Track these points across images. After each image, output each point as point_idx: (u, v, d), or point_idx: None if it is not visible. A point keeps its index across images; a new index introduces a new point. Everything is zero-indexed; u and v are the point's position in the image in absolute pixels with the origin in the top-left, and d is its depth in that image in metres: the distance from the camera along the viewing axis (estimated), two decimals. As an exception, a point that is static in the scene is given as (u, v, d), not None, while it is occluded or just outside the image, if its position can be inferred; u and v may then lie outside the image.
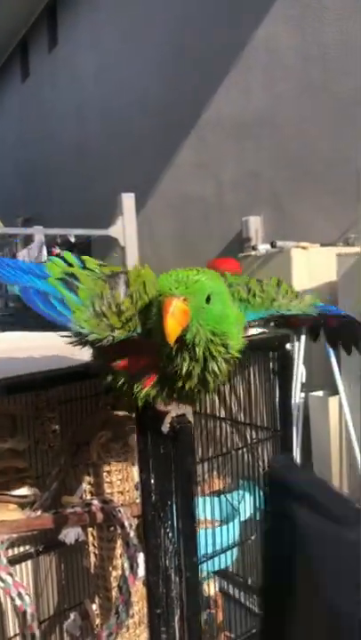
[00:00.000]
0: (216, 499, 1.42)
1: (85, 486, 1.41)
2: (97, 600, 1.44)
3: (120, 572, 1.30)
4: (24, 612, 1.26)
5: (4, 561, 1.23)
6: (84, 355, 1.09)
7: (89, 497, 1.38)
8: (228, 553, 1.32)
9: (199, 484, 1.39)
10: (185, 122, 5.41)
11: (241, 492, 1.41)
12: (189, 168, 5.45)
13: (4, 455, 1.34)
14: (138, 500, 1.32)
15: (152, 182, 5.95)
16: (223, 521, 1.39)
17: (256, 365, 1.36)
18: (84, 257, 1.04)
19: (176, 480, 0.97)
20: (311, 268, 3.26)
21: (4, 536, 1.27)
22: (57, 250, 4.31)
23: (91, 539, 1.41)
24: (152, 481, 0.99)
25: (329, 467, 2.98)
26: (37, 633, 1.27)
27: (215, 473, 1.43)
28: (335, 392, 2.97)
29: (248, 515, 1.40)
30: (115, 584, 1.34)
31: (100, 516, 1.32)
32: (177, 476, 0.97)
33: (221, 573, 1.45)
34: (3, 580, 1.21)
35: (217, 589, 1.44)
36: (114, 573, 1.38)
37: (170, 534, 0.99)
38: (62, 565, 1.54)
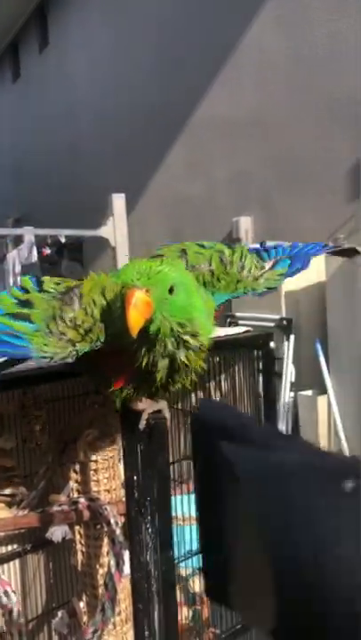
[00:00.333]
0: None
1: (72, 485, 1.41)
2: (84, 598, 1.45)
3: (107, 569, 1.31)
4: (10, 611, 1.26)
5: (-9, 559, 1.24)
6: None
7: (76, 495, 1.39)
8: (214, 549, 1.32)
9: (185, 481, 1.40)
10: (176, 122, 5.42)
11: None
12: (180, 168, 5.47)
13: (-10, 454, 1.34)
14: (124, 498, 1.33)
15: (143, 182, 5.96)
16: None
17: (241, 363, 1.37)
18: (44, 278, 1.03)
19: (152, 476, 0.98)
20: (300, 268, 3.28)
21: (-10, 534, 1.27)
22: (47, 250, 4.32)
23: (78, 537, 1.42)
24: (135, 478, 1.00)
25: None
26: (24, 630, 1.28)
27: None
28: (324, 391, 3.00)
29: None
30: (102, 582, 1.35)
31: (86, 514, 1.33)
32: (153, 471, 0.98)
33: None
34: (-11, 578, 1.21)
35: (202, 586, 1.45)
36: (101, 571, 1.38)
37: (150, 530, 1.00)
38: (50, 564, 1.54)
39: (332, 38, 3.77)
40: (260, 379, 1.34)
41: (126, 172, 6.15)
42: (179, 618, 1.44)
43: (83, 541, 1.40)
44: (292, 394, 3.14)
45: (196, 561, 1.30)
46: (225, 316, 3.50)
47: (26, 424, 1.44)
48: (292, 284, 3.25)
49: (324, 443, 3.00)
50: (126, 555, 1.23)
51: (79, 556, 1.41)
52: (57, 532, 1.37)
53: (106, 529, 1.31)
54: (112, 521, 1.28)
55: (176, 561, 1.29)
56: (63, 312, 0.92)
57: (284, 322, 3.16)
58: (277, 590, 0.41)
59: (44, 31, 8.56)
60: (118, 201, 4.18)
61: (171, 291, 0.85)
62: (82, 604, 1.47)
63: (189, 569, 1.40)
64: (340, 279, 2.91)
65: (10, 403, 1.40)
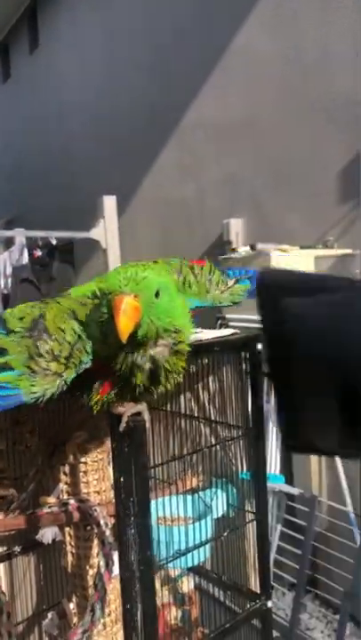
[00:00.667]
0: (190, 496, 1.45)
1: (62, 486, 1.42)
2: (74, 599, 1.46)
3: (96, 570, 1.32)
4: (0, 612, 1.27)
5: (-20, 561, 1.24)
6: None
7: (66, 497, 1.40)
8: (202, 549, 1.34)
9: (173, 482, 1.41)
10: (166, 125, 5.44)
11: (214, 489, 1.43)
12: (171, 170, 5.48)
13: (-20, 456, 1.35)
14: (114, 500, 1.34)
15: (134, 185, 5.97)
16: (196, 518, 1.41)
17: (229, 365, 1.38)
18: (6, 314, 1.03)
19: (132, 476, 1.00)
20: (290, 269, 3.30)
21: (-20, 536, 1.28)
22: (38, 252, 4.31)
23: (68, 538, 1.43)
24: (121, 479, 1.01)
25: (308, 464, 3.02)
26: (13, 632, 1.29)
27: (189, 471, 1.45)
28: (314, 392, 3.02)
29: (221, 512, 1.42)
30: (92, 583, 1.36)
31: (76, 516, 1.34)
32: (133, 472, 1.00)
33: (196, 570, 1.47)
34: (-22, 580, 1.22)
35: (191, 586, 1.47)
36: (91, 572, 1.39)
37: (132, 530, 1.01)
38: (40, 565, 1.55)
39: (321, 42, 3.81)
40: (248, 381, 1.35)
41: (117, 174, 6.16)
42: (168, 618, 1.45)
43: (73, 543, 1.41)
44: (282, 395, 3.16)
45: (185, 561, 1.31)
46: (215, 317, 3.52)
47: (15, 426, 1.45)
48: (281, 285, 3.27)
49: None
50: (116, 555, 1.24)
51: (69, 558, 1.42)
52: (47, 534, 1.38)
53: (96, 530, 1.32)
54: (102, 522, 1.29)
55: (165, 562, 1.30)
56: (39, 348, 0.92)
57: (275, 323, 3.18)
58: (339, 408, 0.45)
59: (35, 32, 8.55)
60: (109, 203, 4.18)
61: (157, 295, 0.86)
62: (72, 606, 1.48)
63: (178, 569, 1.42)
64: (330, 281, 2.94)
65: None
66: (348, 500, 2.75)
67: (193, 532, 1.31)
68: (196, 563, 1.36)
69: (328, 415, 0.49)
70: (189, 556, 1.30)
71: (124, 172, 6.09)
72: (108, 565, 1.24)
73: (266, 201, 4.33)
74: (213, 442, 1.45)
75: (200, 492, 1.44)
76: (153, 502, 1.34)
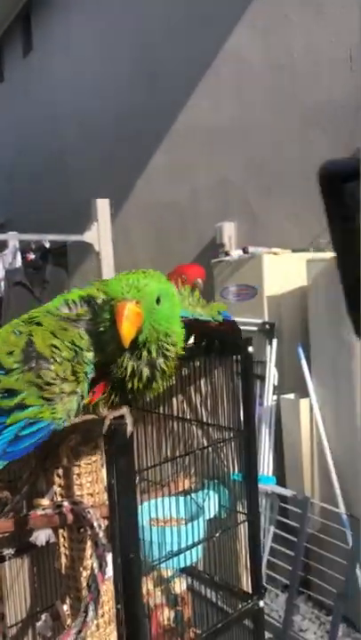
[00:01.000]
0: (182, 498, 1.46)
1: (56, 489, 1.43)
2: (68, 601, 1.47)
3: (90, 571, 1.33)
4: (-6, 614, 1.28)
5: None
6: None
7: (59, 499, 1.41)
8: (194, 550, 1.35)
9: (166, 483, 1.43)
10: (159, 128, 5.46)
11: (206, 490, 1.45)
12: (164, 174, 5.50)
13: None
14: (107, 502, 1.36)
15: (127, 188, 5.98)
16: (189, 519, 1.43)
17: (220, 367, 1.40)
18: None
19: (116, 477, 1.02)
20: (283, 273, 3.32)
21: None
22: (31, 255, 4.31)
23: (61, 540, 1.44)
24: (112, 481, 1.03)
25: (300, 466, 3.04)
26: (8, 634, 1.30)
27: (182, 473, 1.47)
28: (306, 394, 3.04)
29: (213, 513, 1.44)
30: (85, 584, 1.36)
31: (70, 518, 1.35)
32: (117, 473, 1.02)
33: (189, 571, 1.48)
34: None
35: (184, 587, 1.48)
36: (84, 574, 1.40)
37: (119, 531, 1.03)
38: (34, 567, 1.56)
39: (312, 47, 3.84)
40: (240, 383, 1.37)
41: (110, 178, 6.17)
42: (161, 619, 1.46)
43: (66, 545, 1.42)
44: (274, 397, 3.18)
45: (177, 562, 1.32)
46: (209, 320, 3.54)
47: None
48: (274, 288, 3.29)
49: (306, 445, 3.04)
50: (109, 557, 1.25)
51: (63, 560, 1.43)
52: (41, 536, 1.39)
53: (89, 532, 1.33)
54: (95, 524, 1.30)
55: (157, 562, 1.31)
56: (44, 377, 0.94)
57: (267, 326, 3.20)
58: None
59: (28, 35, 8.56)
60: (102, 206, 4.19)
61: (158, 301, 0.89)
62: (65, 608, 1.48)
63: (171, 570, 1.43)
64: (322, 284, 2.96)
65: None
66: (341, 502, 2.77)
67: (185, 532, 1.32)
68: (188, 563, 1.37)
69: None
70: (182, 556, 1.31)
71: (117, 176, 6.11)
72: (102, 567, 1.24)
73: (258, 204, 4.36)
74: (205, 444, 1.46)
75: (192, 494, 1.45)
76: (146, 504, 1.36)
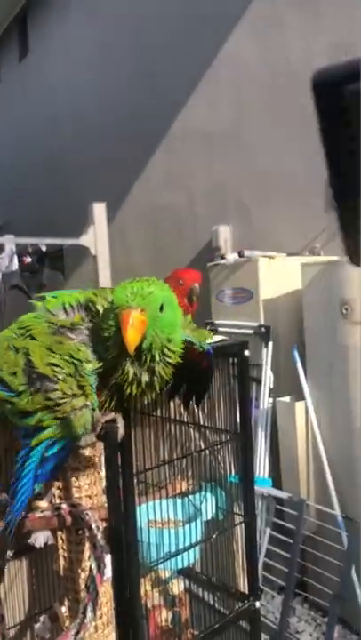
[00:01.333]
0: (180, 500, 1.48)
1: (54, 491, 1.44)
2: (66, 602, 1.48)
3: (89, 573, 1.34)
4: (-6, 615, 1.29)
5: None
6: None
7: (58, 501, 1.42)
8: (192, 551, 1.37)
9: (163, 486, 1.44)
10: (155, 132, 5.48)
11: (203, 492, 1.46)
12: (160, 178, 5.53)
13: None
14: (105, 504, 1.37)
15: (124, 191, 6.00)
16: (186, 521, 1.44)
17: (217, 371, 1.42)
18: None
19: (109, 479, 1.04)
20: (278, 277, 3.34)
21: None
22: (28, 259, 4.32)
23: (60, 542, 1.45)
24: (109, 483, 1.04)
25: (296, 468, 3.05)
26: (7, 635, 1.31)
27: (179, 475, 1.48)
28: (301, 397, 3.06)
29: (210, 515, 1.45)
30: (84, 586, 1.38)
31: (68, 520, 1.36)
32: (110, 474, 1.04)
33: (186, 572, 1.50)
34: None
35: (182, 588, 1.49)
36: (83, 576, 1.41)
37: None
38: (32, 569, 1.57)
39: (309, 51, 3.87)
40: (236, 386, 1.39)
41: (107, 181, 6.19)
42: (158, 620, 1.47)
43: (65, 546, 1.43)
44: (270, 400, 3.20)
45: (174, 562, 1.34)
46: (205, 323, 3.56)
47: (8, 433, 1.47)
48: (269, 291, 3.31)
49: (301, 447, 3.06)
50: (108, 558, 1.26)
51: (61, 561, 1.44)
52: (40, 538, 1.40)
53: (87, 534, 1.34)
54: (93, 525, 1.31)
55: (155, 564, 1.33)
56: (52, 398, 0.96)
57: (263, 329, 3.22)
58: None
59: (24, 40, 8.58)
60: (99, 209, 4.21)
61: (161, 309, 0.91)
62: (64, 609, 1.50)
63: (168, 571, 1.44)
64: (316, 287, 2.99)
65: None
66: (336, 504, 2.79)
67: (183, 534, 1.34)
68: (186, 564, 1.39)
69: None
70: (180, 557, 1.33)
71: (113, 179, 6.12)
72: (100, 568, 1.26)
73: (254, 208, 4.39)
74: (202, 446, 1.48)
75: (190, 496, 1.47)
76: (144, 506, 1.37)
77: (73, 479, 1.41)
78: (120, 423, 1.08)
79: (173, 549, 1.32)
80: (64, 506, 1.37)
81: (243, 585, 1.46)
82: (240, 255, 3.49)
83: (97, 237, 4.21)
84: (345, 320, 2.79)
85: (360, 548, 2.54)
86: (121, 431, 1.09)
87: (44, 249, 4.17)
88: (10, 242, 4.28)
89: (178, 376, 1.06)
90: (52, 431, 0.96)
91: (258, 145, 4.31)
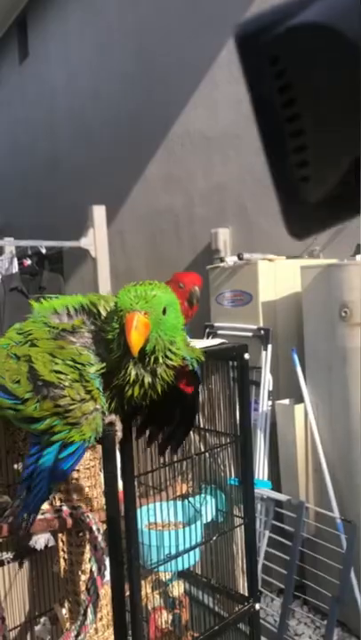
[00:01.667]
0: (180, 502, 1.48)
1: (55, 493, 1.45)
2: (67, 604, 1.48)
3: (89, 575, 1.34)
4: (-6, 617, 1.29)
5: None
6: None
7: (59, 504, 1.43)
8: (192, 553, 1.37)
9: (164, 488, 1.45)
10: (155, 135, 5.50)
11: (203, 495, 1.47)
12: (159, 181, 5.54)
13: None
14: (105, 506, 1.38)
15: (123, 194, 6.01)
16: (187, 523, 1.45)
17: (217, 374, 1.42)
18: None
19: (107, 481, 1.04)
20: (277, 279, 3.35)
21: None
22: (28, 261, 4.32)
23: (61, 544, 1.45)
24: (108, 485, 1.05)
25: (295, 471, 3.06)
26: (7, 636, 1.31)
27: (180, 478, 1.49)
28: (301, 400, 3.06)
29: (210, 517, 1.46)
30: (84, 588, 1.38)
31: (69, 522, 1.37)
32: (106, 477, 1.04)
33: (186, 574, 1.50)
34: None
35: (182, 591, 1.50)
36: (83, 578, 1.42)
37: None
38: (33, 571, 1.57)
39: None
40: (236, 389, 1.39)
41: (106, 184, 6.20)
42: (159, 622, 1.48)
43: (65, 549, 1.44)
44: (269, 402, 3.20)
45: (175, 565, 1.34)
46: (204, 326, 3.57)
47: (9, 435, 1.47)
48: (269, 294, 3.32)
49: (301, 450, 3.07)
50: (107, 560, 1.27)
51: (62, 564, 1.44)
52: (40, 540, 1.41)
53: (88, 536, 1.35)
54: (94, 527, 1.32)
55: (155, 566, 1.34)
56: (62, 405, 0.97)
57: (262, 331, 3.23)
58: None
59: (24, 43, 8.60)
60: (99, 212, 4.22)
61: (164, 312, 0.92)
62: (64, 611, 1.50)
63: (169, 574, 1.45)
64: (315, 290, 3.00)
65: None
66: (335, 506, 2.79)
67: (183, 536, 1.35)
68: (186, 566, 1.39)
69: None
70: (180, 559, 1.33)
71: (113, 182, 6.14)
72: (101, 570, 1.26)
73: (253, 211, 4.40)
74: (202, 449, 1.48)
75: (190, 498, 1.47)
76: (144, 508, 1.38)
77: (73, 481, 1.42)
78: (118, 427, 1.09)
79: (174, 552, 1.32)
80: (65, 508, 1.38)
81: (242, 587, 1.46)
82: (239, 258, 3.49)
83: (96, 240, 4.22)
84: (344, 323, 2.79)
85: (360, 550, 2.54)
86: (119, 434, 1.10)
87: (43, 251, 4.17)
88: (10, 244, 4.29)
89: (156, 403, 1.03)
90: (65, 435, 0.97)
91: (257, 147, 4.31)
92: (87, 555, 1.40)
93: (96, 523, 1.33)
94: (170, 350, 0.95)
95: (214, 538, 1.41)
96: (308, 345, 3.09)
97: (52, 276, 4.43)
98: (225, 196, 4.68)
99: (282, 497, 2.91)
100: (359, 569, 2.60)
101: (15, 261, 4.31)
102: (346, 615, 2.75)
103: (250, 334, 3.24)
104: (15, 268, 4.28)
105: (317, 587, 2.75)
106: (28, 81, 8.54)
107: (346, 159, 0.44)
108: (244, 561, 1.42)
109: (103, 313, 1.01)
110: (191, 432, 1.50)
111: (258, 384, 3.17)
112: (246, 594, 1.43)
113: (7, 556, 1.46)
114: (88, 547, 1.38)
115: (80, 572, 1.41)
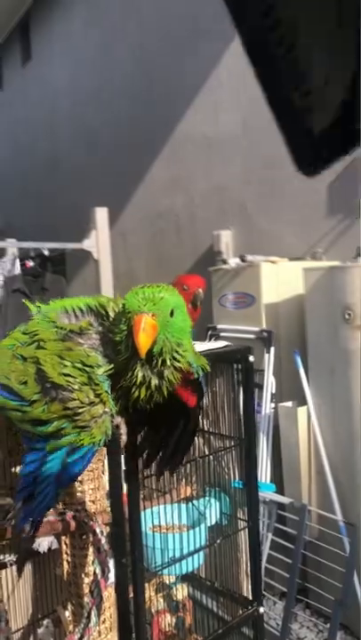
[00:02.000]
0: (184, 505, 1.48)
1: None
2: (70, 607, 1.48)
3: (92, 578, 1.34)
4: (-2, 620, 1.29)
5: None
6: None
7: (62, 506, 1.43)
8: (196, 556, 1.37)
9: (168, 491, 1.44)
10: (156, 137, 5.50)
11: (208, 498, 1.47)
12: (161, 183, 5.54)
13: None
14: (109, 509, 1.37)
15: (125, 196, 6.02)
16: (191, 526, 1.44)
17: (221, 377, 1.42)
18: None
19: (112, 484, 1.04)
20: (280, 281, 3.35)
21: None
22: (30, 263, 4.33)
23: (64, 547, 1.45)
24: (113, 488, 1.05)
25: (298, 473, 3.05)
26: (10, 639, 1.31)
27: (184, 481, 1.48)
28: (304, 402, 3.06)
29: (214, 520, 1.46)
30: (87, 591, 1.38)
31: (72, 525, 1.37)
32: (111, 480, 1.04)
33: (190, 577, 1.50)
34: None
35: (185, 594, 1.49)
36: (86, 580, 1.42)
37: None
38: (36, 574, 1.56)
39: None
40: (240, 391, 1.39)
41: (109, 186, 6.21)
42: (162, 625, 1.47)
43: (69, 551, 1.43)
44: (272, 405, 3.20)
45: (179, 567, 1.34)
46: (206, 328, 3.56)
47: (11, 436, 1.47)
48: (271, 296, 3.32)
49: (303, 452, 3.06)
50: (111, 563, 1.26)
51: (65, 566, 1.44)
52: (43, 543, 1.41)
53: (91, 538, 1.34)
54: (97, 530, 1.32)
55: (159, 569, 1.33)
56: (71, 408, 0.97)
57: (265, 334, 3.23)
58: None
59: (27, 44, 8.62)
60: (101, 214, 4.23)
61: (172, 314, 0.92)
62: (67, 614, 1.50)
63: (173, 576, 1.44)
64: (318, 292, 2.99)
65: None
66: (338, 509, 2.79)
67: (187, 539, 1.34)
68: (190, 569, 1.39)
69: None
70: (184, 562, 1.33)
71: (115, 184, 6.14)
72: (105, 572, 1.26)
73: (255, 213, 4.40)
74: (207, 452, 1.48)
75: (194, 501, 1.47)
76: (148, 511, 1.38)
77: (77, 484, 1.41)
78: (123, 430, 1.08)
79: (178, 554, 1.32)
80: (68, 511, 1.38)
81: (246, 590, 1.46)
82: (242, 260, 3.49)
83: (99, 242, 4.23)
84: (347, 325, 2.79)
85: (362, 553, 2.54)
86: (124, 438, 1.09)
87: (46, 253, 4.17)
88: (12, 246, 4.30)
89: (157, 418, 1.04)
90: (73, 438, 0.96)
91: (259, 149, 4.33)
92: (90, 557, 1.40)
93: (99, 525, 1.33)
94: (177, 352, 0.95)
95: (218, 541, 1.41)
96: (311, 347, 3.08)
97: (55, 278, 4.43)
98: (226, 198, 4.68)
99: (284, 499, 2.90)
100: (362, 572, 2.59)
101: (18, 263, 4.31)
102: (349, 618, 2.74)
103: (253, 336, 3.24)
104: (18, 270, 4.28)
105: (320, 590, 2.74)
106: (31, 82, 8.56)
107: (344, 75, 0.44)
108: (248, 564, 1.42)
109: (112, 315, 1.01)
110: (196, 435, 1.50)
111: (261, 386, 3.17)
112: (250, 597, 1.43)
113: (10, 558, 1.46)
114: (91, 549, 1.38)
115: (83, 575, 1.41)
